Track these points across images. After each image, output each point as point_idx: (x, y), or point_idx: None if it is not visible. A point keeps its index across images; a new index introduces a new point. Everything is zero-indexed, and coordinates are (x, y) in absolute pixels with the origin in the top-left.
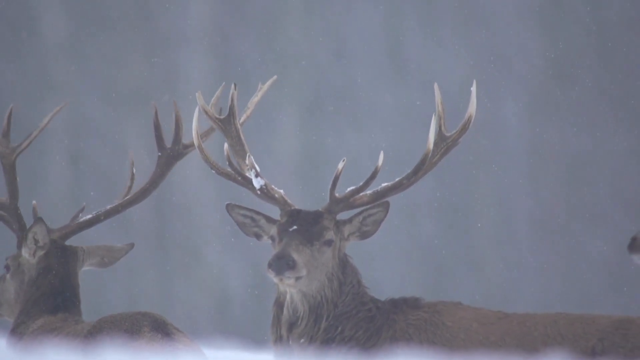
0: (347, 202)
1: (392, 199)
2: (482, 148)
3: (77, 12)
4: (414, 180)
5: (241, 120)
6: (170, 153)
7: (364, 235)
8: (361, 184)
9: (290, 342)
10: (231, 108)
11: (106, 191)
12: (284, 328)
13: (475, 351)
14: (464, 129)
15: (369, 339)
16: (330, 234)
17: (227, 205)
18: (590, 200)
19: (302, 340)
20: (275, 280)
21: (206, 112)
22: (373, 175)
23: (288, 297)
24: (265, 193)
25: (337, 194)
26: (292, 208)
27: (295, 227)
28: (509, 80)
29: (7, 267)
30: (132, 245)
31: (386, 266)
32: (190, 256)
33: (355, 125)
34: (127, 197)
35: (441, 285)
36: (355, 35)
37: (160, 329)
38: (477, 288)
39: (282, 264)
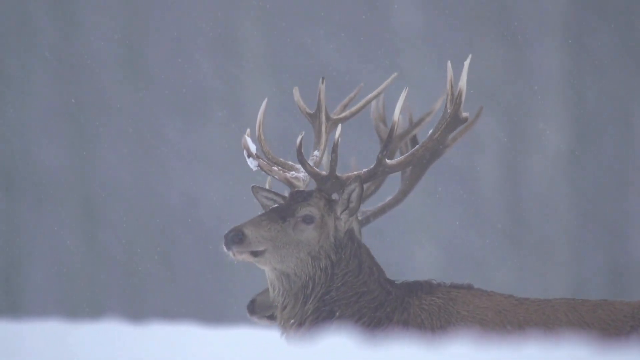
0: (337, 179)
1: None
2: None
3: (431, 5)
4: (405, 161)
5: (341, 115)
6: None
7: (351, 211)
8: (365, 169)
9: (282, 323)
10: (318, 102)
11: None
12: (278, 309)
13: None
14: (457, 103)
15: (379, 324)
16: (307, 211)
17: (253, 187)
18: None
19: (292, 321)
20: (230, 255)
21: (299, 106)
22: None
23: (266, 275)
24: (267, 172)
25: (323, 172)
26: (296, 189)
27: (275, 205)
28: None
29: None
30: None
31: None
32: (544, 253)
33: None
34: (385, 202)
35: None
36: None
37: None
38: None
39: (229, 238)
